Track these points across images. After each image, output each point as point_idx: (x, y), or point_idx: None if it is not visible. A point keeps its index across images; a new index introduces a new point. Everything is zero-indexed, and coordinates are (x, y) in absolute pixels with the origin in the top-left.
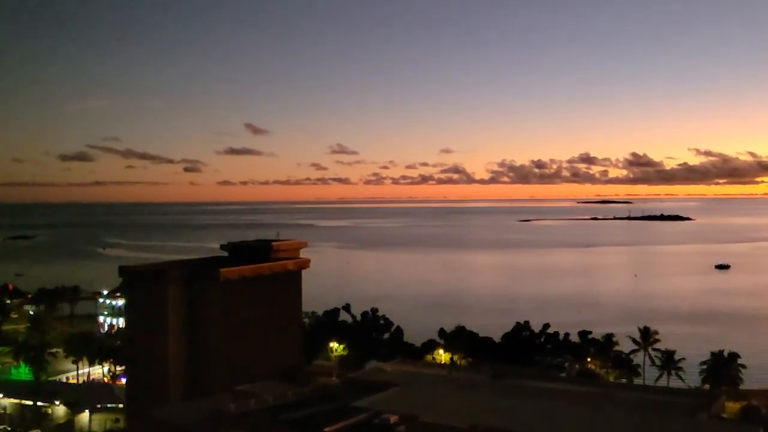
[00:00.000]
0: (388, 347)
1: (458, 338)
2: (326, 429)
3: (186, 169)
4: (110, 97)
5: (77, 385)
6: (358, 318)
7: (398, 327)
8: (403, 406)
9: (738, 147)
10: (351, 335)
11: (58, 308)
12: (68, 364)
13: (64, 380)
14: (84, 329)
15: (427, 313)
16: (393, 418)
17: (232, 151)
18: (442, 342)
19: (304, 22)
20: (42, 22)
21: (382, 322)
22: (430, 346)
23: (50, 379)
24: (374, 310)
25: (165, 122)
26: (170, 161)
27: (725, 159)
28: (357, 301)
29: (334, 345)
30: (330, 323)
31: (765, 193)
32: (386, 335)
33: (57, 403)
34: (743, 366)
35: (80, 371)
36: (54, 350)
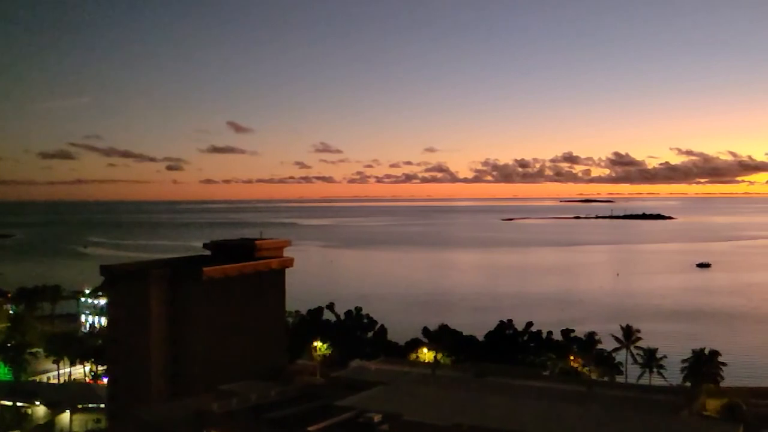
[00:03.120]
0: (371, 346)
1: (442, 337)
2: (310, 428)
3: (168, 168)
4: (92, 95)
5: (58, 385)
6: (342, 317)
7: (382, 326)
8: (387, 404)
9: (719, 147)
10: (334, 334)
11: (39, 307)
12: (49, 364)
13: (45, 380)
14: (65, 329)
15: (410, 312)
16: (377, 417)
17: (215, 150)
18: (425, 341)
19: (288, 20)
20: (23, 20)
21: (365, 320)
22: (414, 344)
23: (30, 379)
24: (358, 309)
25: (147, 120)
26: (152, 159)
27: (706, 158)
28: (341, 300)
29: (317, 344)
30: (313, 322)
31: (745, 193)
32: (370, 334)
33: (37, 403)
34: (724, 363)
35: (61, 371)
36: (34, 350)
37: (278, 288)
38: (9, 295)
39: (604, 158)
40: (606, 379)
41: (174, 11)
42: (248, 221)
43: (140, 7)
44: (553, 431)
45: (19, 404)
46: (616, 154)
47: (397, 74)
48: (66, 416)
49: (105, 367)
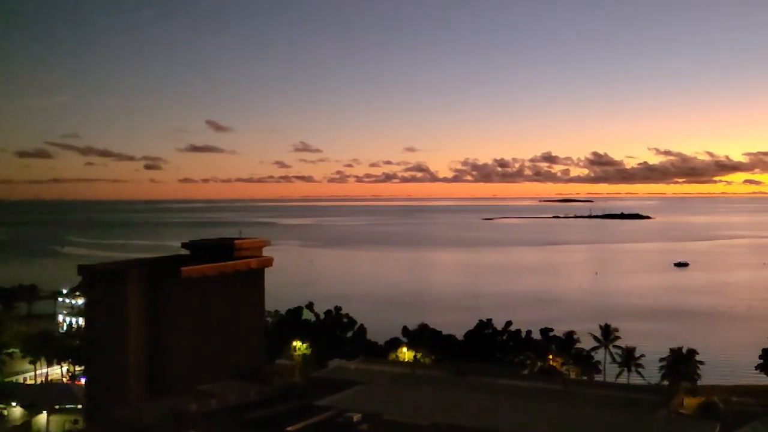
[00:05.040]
0: (351, 346)
1: (421, 336)
2: (289, 428)
3: (147, 167)
4: (70, 94)
5: (35, 385)
6: (322, 316)
7: (361, 325)
8: (367, 404)
9: (696, 147)
10: (314, 334)
11: (15, 307)
12: (25, 365)
13: (22, 381)
14: (42, 329)
15: (390, 312)
16: (356, 417)
17: (194, 149)
18: (405, 340)
19: (267, 19)
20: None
21: (345, 320)
22: (394, 344)
23: (7, 380)
24: (337, 309)
25: (125, 119)
26: (131, 158)
27: (684, 158)
28: (320, 300)
29: (297, 344)
30: (293, 322)
31: (722, 192)
32: (349, 334)
33: (14, 404)
34: (701, 362)
35: (38, 372)
36: (11, 350)
37: (257, 288)
38: None
39: (582, 158)
40: (584, 378)
41: (153, 10)
42: (227, 221)
43: (119, 6)
44: (532, 430)
45: None
46: (595, 154)
47: (377, 74)
48: (43, 417)
49: (82, 368)
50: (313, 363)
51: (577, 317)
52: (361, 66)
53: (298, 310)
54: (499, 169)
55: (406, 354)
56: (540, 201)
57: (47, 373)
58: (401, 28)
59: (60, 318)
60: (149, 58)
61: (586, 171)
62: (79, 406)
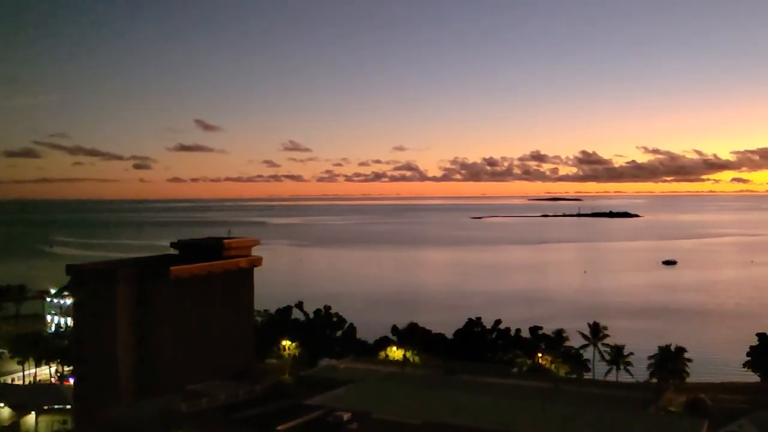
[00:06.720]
0: (341, 345)
1: (411, 335)
2: (279, 427)
3: (135, 166)
4: (58, 93)
5: (23, 386)
6: (311, 316)
7: (351, 324)
8: (356, 403)
9: (685, 145)
10: (304, 333)
11: (3, 308)
12: (14, 365)
13: (10, 381)
14: (30, 329)
15: (380, 311)
16: (346, 416)
17: (183, 148)
18: (394, 339)
19: (256, 19)
20: None
21: (335, 319)
22: (383, 343)
23: None
24: (327, 308)
25: (114, 118)
26: (119, 158)
27: (672, 157)
28: (310, 299)
29: (286, 343)
30: (282, 321)
31: (710, 191)
32: (339, 333)
33: (2, 405)
34: (689, 360)
35: (26, 372)
36: None
37: (247, 287)
38: None
39: (571, 157)
40: (574, 376)
41: (142, 10)
42: (216, 220)
43: (108, 5)
44: (522, 428)
45: None
46: (584, 152)
47: (366, 73)
48: (31, 418)
49: (71, 368)
50: (302, 362)
51: (566, 315)
52: (351, 66)
53: (287, 310)
54: (488, 168)
55: (395, 353)
56: (529, 200)
57: (35, 373)
58: (390, 28)
59: (48, 318)
60: (138, 58)
61: (574, 170)
62: (68, 407)
